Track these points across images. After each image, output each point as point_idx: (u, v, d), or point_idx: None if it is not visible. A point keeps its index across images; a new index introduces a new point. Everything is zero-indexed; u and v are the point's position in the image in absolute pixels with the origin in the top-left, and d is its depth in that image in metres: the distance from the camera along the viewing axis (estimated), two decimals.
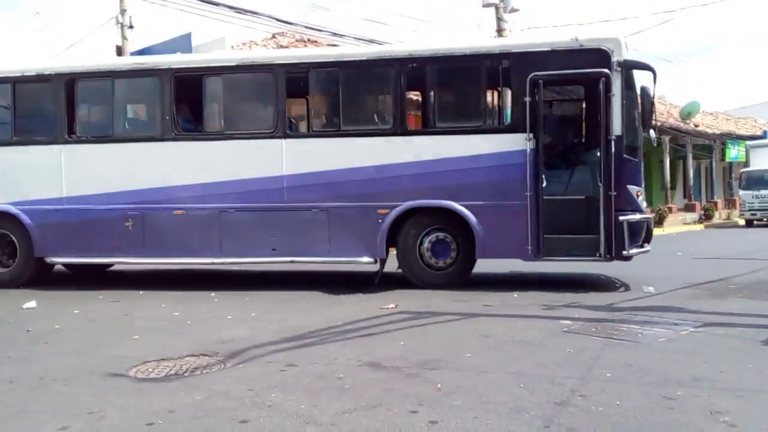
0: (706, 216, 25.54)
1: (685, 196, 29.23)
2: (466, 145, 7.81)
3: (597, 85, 7.54)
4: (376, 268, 8.25)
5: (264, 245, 8.15)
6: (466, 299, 7.21)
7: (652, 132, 8.09)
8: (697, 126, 27.06)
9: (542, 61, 7.66)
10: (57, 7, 44.53)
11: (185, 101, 8.61)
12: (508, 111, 8.15)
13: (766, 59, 77.77)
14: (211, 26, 47.73)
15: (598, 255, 7.59)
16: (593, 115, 8.20)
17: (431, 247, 8.00)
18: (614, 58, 7.44)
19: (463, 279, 8.07)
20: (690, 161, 27.38)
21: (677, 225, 23.06)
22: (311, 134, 8.64)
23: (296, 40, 19.21)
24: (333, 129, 8.37)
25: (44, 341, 5.62)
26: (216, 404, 3.77)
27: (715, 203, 27.63)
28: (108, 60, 10.94)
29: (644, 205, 8.11)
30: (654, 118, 7.96)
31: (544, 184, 7.63)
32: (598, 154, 7.64)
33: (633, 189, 7.62)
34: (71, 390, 4.15)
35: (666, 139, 23.89)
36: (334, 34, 18.40)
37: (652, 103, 7.78)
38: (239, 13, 16.81)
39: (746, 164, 25.79)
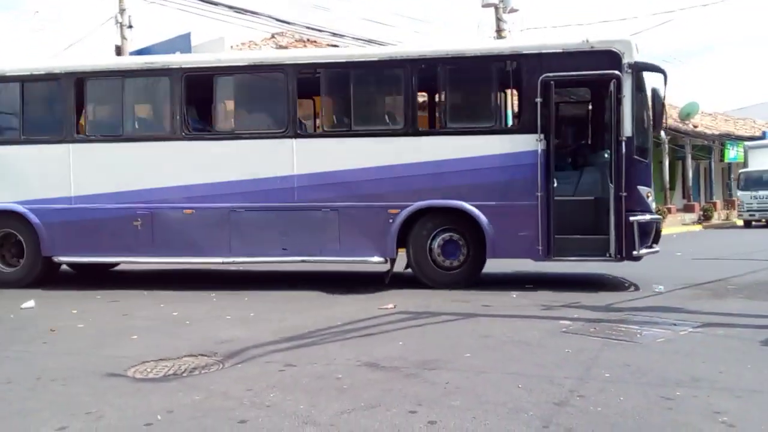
0: (705, 216, 25.64)
1: (684, 197, 29.36)
2: (478, 146, 7.82)
3: (608, 86, 7.58)
4: (385, 267, 8.27)
5: (274, 245, 8.15)
6: (465, 299, 7.21)
7: (663, 133, 8.13)
8: (696, 127, 27.15)
9: (553, 63, 7.68)
10: (56, 6, 44.37)
11: (195, 101, 8.59)
12: (519, 112, 8.17)
13: (765, 59, 78.13)
14: (210, 26, 47.70)
15: (608, 255, 7.64)
16: (604, 117, 8.23)
17: (442, 247, 8.01)
18: (625, 60, 7.48)
19: (473, 279, 8.09)
20: (689, 162, 27.51)
21: (676, 225, 23.11)
22: (322, 134, 8.66)
23: (296, 40, 19.16)
24: (344, 129, 8.36)
25: (42, 341, 5.58)
26: (214, 404, 3.76)
27: (714, 204, 27.74)
28: (118, 59, 10.94)
29: (654, 206, 8.16)
30: (664, 120, 8.00)
31: (555, 185, 7.66)
32: (609, 155, 7.69)
33: (643, 190, 7.66)
34: (69, 390, 4.12)
35: (665, 139, 23.98)
36: (334, 34, 18.39)
37: (663, 105, 7.84)
38: (239, 12, 16.82)
39: (745, 165, 25.82)
